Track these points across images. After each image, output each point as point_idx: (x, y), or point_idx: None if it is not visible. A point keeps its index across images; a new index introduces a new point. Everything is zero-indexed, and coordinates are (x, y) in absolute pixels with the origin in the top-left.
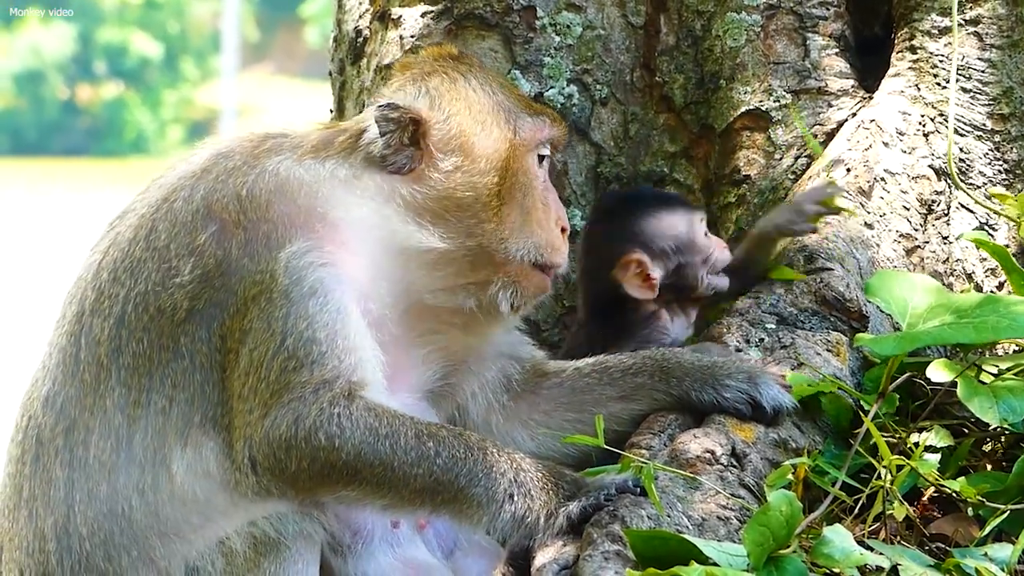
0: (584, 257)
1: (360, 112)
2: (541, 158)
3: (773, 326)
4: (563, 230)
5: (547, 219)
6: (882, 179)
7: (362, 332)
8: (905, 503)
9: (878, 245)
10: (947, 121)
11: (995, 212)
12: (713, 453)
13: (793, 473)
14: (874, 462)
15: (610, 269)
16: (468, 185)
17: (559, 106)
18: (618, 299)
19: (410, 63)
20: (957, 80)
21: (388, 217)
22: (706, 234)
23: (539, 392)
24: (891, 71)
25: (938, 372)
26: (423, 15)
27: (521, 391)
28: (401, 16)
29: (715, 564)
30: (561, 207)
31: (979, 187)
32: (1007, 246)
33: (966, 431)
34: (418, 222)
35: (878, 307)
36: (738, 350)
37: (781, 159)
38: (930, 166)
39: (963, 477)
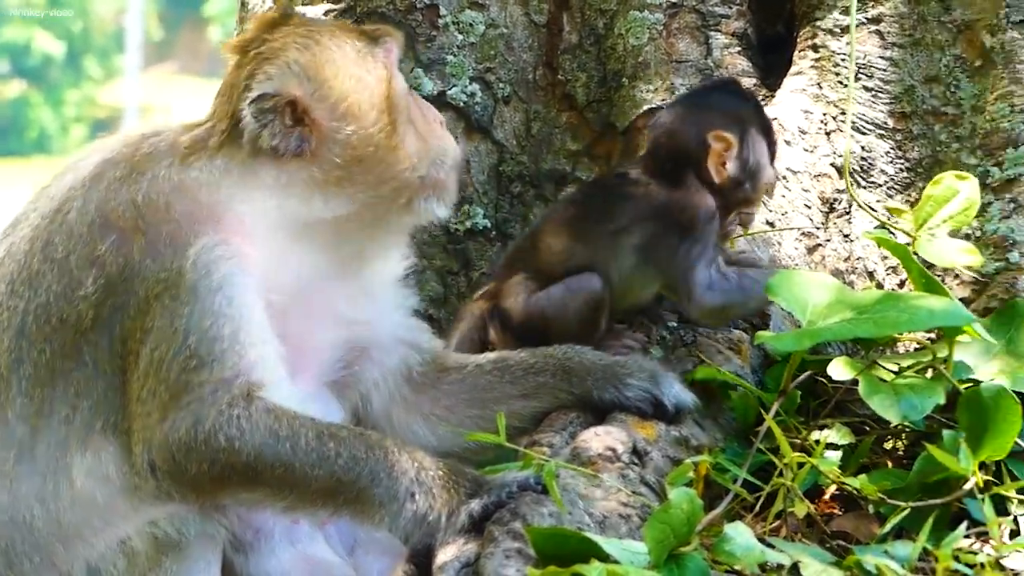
0: (687, 104)
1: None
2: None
3: (675, 324)
4: (440, 123)
5: (429, 124)
6: (784, 177)
7: (265, 327)
8: (806, 501)
9: (780, 243)
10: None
11: (889, 225)
12: (615, 451)
13: (694, 471)
14: (775, 460)
15: (705, 130)
16: (367, 140)
17: (462, 104)
18: (680, 163)
19: (246, 44)
20: (859, 79)
21: (293, 202)
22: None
23: (440, 387)
24: (793, 69)
25: (839, 370)
26: (326, 13)
27: (422, 384)
28: (304, 14)
29: (616, 562)
30: (426, 103)
31: (880, 186)
32: (907, 245)
33: (867, 429)
34: (324, 195)
35: (779, 306)
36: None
37: None
38: (832, 164)
39: (864, 475)
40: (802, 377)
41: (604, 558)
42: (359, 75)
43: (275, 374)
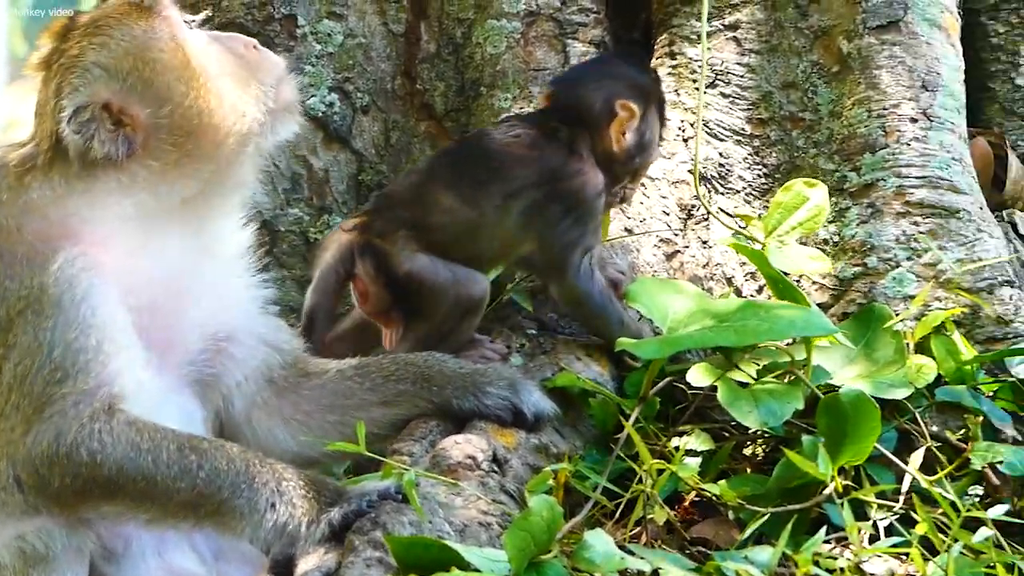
0: (595, 69)
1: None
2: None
3: (534, 331)
4: (253, 47)
5: (244, 58)
6: (642, 184)
7: (128, 333)
8: (666, 507)
9: (638, 250)
10: (706, 126)
11: (742, 234)
12: (475, 459)
13: (554, 478)
14: (635, 467)
15: (614, 97)
16: (188, 114)
17: (321, 114)
18: (580, 126)
19: (47, 58)
20: (716, 85)
21: (142, 197)
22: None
23: (301, 392)
24: None
25: (698, 376)
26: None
27: (283, 387)
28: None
29: (476, 570)
30: (230, 36)
31: (739, 192)
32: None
33: (726, 435)
34: (170, 182)
35: (639, 312)
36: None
37: None
38: (690, 171)
39: (724, 481)
40: (661, 384)
41: (464, 567)
42: (154, 55)
43: (138, 379)
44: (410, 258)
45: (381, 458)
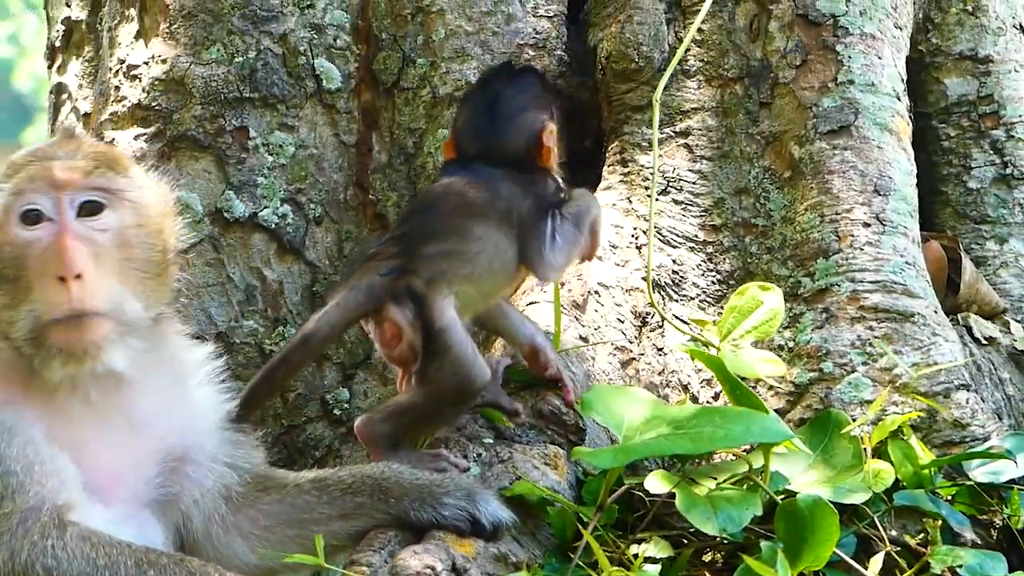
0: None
1: None
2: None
3: (491, 440)
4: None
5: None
6: (596, 292)
7: (56, 456)
8: None
9: (593, 358)
10: (659, 233)
11: (696, 338)
12: (433, 569)
13: None
14: (593, 575)
15: (533, 132)
16: None
17: (274, 225)
18: (518, 157)
19: None
20: (668, 192)
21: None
22: None
23: (259, 507)
24: (603, 184)
25: (656, 483)
26: (136, 137)
27: (240, 504)
28: (114, 139)
29: None
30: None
31: (693, 299)
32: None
33: (685, 541)
34: None
35: (595, 420)
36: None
37: None
38: (643, 278)
39: None
40: (619, 491)
41: None
42: None
43: (80, 495)
44: (448, 312)
45: (341, 571)
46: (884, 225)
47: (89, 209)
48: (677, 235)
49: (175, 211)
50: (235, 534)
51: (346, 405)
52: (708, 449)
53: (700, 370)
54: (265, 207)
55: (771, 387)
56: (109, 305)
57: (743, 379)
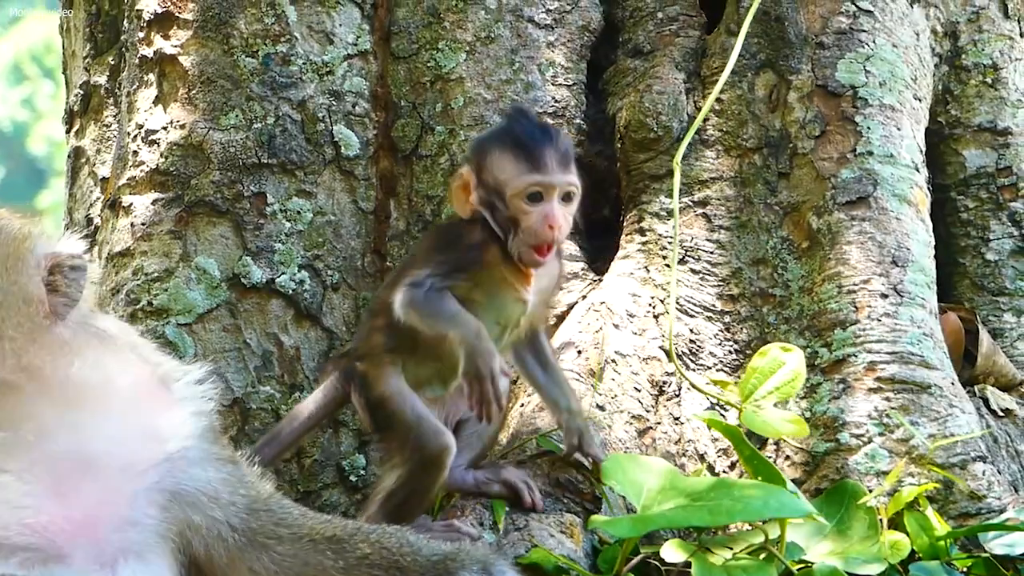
0: None
1: None
2: None
3: (507, 508)
4: None
5: None
6: (613, 360)
7: None
8: None
9: (610, 426)
10: (677, 302)
11: (717, 398)
12: None
13: None
14: None
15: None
16: None
17: (291, 291)
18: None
19: None
20: (686, 261)
21: None
22: (538, 200)
23: (271, 553)
24: (620, 253)
25: (672, 552)
26: (154, 202)
27: (251, 544)
28: (132, 204)
29: None
30: None
31: (710, 367)
32: (739, 426)
33: None
34: None
35: (612, 489)
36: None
37: None
38: (660, 347)
39: None
40: (635, 560)
41: None
42: None
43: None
44: (386, 381)
45: None
46: (902, 296)
47: None
48: (695, 304)
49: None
50: (244, 570)
51: (362, 472)
52: (726, 521)
53: (716, 439)
54: (283, 273)
55: (787, 457)
56: None
57: (763, 443)
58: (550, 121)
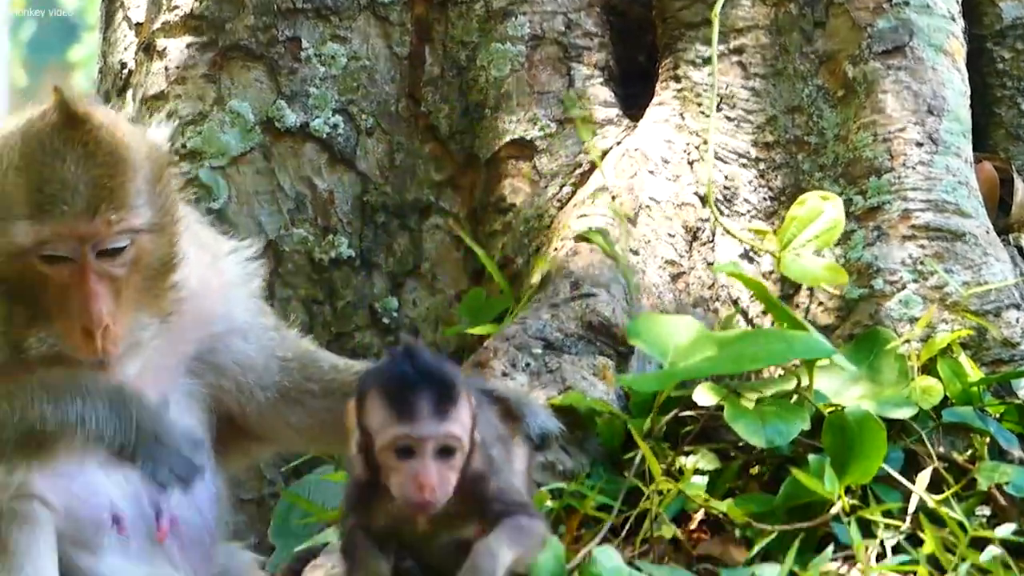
0: None
1: None
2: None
3: (540, 351)
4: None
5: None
6: (647, 206)
7: None
8: (673, 525)
9: (643, 271)
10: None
11: (755, 247)
12: None
13: (559, 498)
14: (641, 485)
15: None
16: None
17: (325, 135)
18: None
19: None
20: (721, 109)
21: None
22: (408, 455)
23: (305, 406)
24: (656, 100)
25: (704, 395)
26: (188, 46)
27: (286, 397)
28: (166, 48)
29: None
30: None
31: (744, 214)
32: (771, 272)
33: (732, 455)
34: None
35: (640, 348)
36: (505, 375)
37: (546, 187)
38: (695, 193)
39: (730, 499)
40: (666, 405)
41: None
42: None
43: None
44: None
45: None
46: (937, 145)
47: (111, 252)
48: (730, 151)
49: (175, 164)
50: (279, 422)
51: (395, 313)
52: (750, 368)
53: (748, 287)
54: (317, 117)
55: (820, 303)
56: (130, 341)
57: (795, 289)
58: None
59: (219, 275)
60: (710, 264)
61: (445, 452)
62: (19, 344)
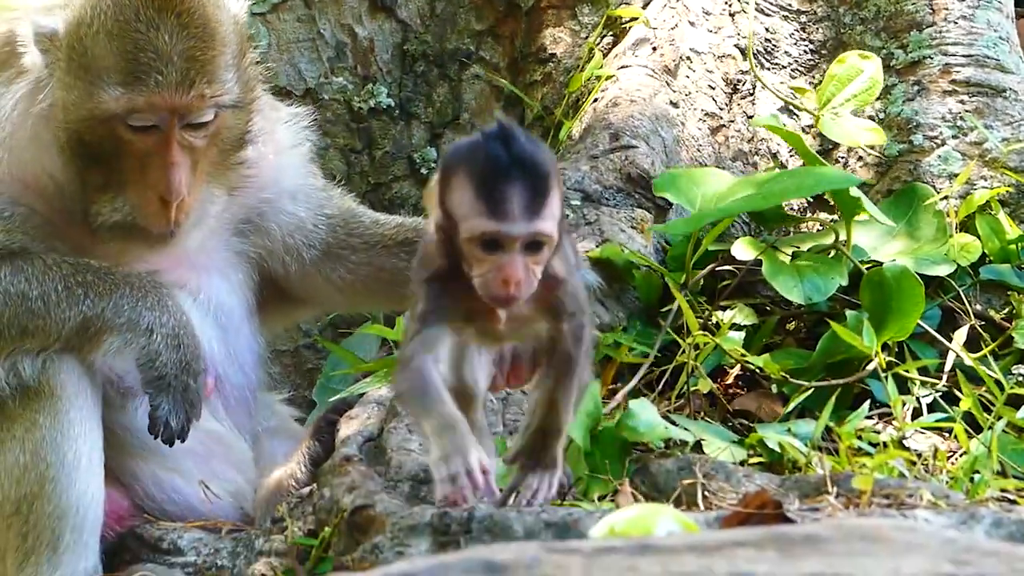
0: None
1: None
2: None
3: (578, 203)
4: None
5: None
6: (688, 58)
7: None
8: (709, 379)
9: (683, 124)
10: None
11: (793, 105)
12: None
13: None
14: (679, 339)
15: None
16: None
17: None
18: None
19: None
20: None
21: None
22: (495, 249)
23: (345, 262)
24: None
25: (742, 249)
26: None
27: (327, 254)
28: None
29: None
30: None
31: (784, 67)
32: (811, 126)
33: (769, 310)
34: None
35: (668, 199)
36: None
37: (587, 37)
38: (736, 46)
39: (767, 354)
40: (704, 259)
41: None
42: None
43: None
44: None
45: None
46: (979, 0)
47: (197, 125)
48: (771, 4)
49: (252, 41)
50: (319, 279)
51: (433, 164)
52: (778, 201)
53: (786, 141)
54: None
55: (860, 158)
56: (199, 213)
57: (833, 148)
58: None
59: (274, 143)
60: (750, 117)
61: (534, 246)
62: (91, 210)
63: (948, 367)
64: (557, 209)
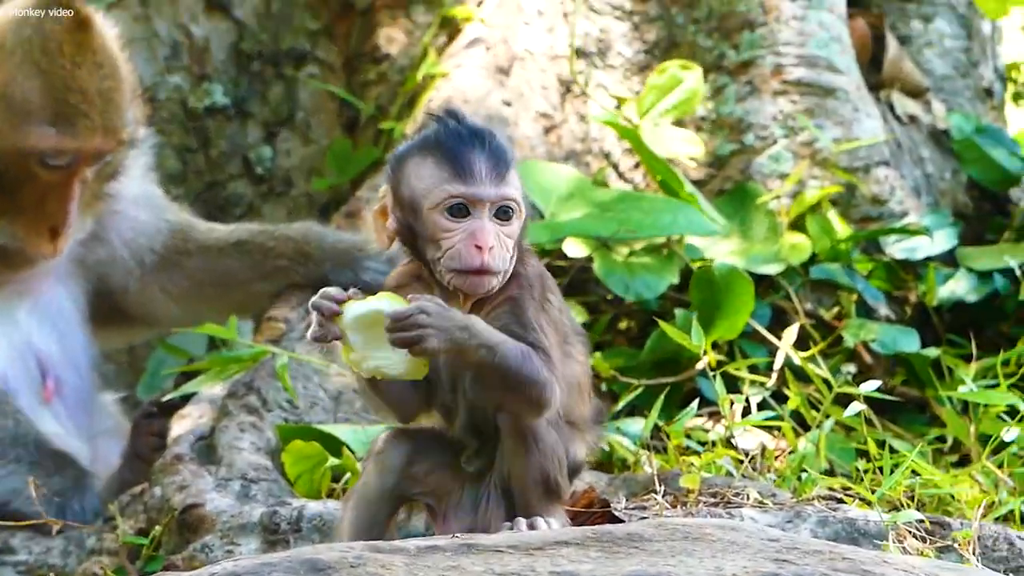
0: None
1: None
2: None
3: None
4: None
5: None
6: (521, 58)
7: None
8: None
9: (516, 123)
10: (586, 1)
11: (616, 114)
12: None
13: None
14: None
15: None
16: None
17: None
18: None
19: None
20: None
21: None
22: (463, 215)
23: (182, 269)
24: None
25: (574, 247)
26: None
27: (162, 263)
28: None
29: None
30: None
31: (617, 68)
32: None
33: (601, 308)
34: None
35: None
36: None
37: (422, 37)
38: (569, 46)
39: (598, 353)
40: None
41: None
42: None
43: None
44: None
45: (257, 345)
46: (810, 0)
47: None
48: (604, 3)
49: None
50: (156, 290)
51: (268, 163)
52: (634, 236)
53: (623, 139)
54: None
55: (692, 157)
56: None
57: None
58: None
59: None
60: (583, 117)
61: (502, 214)
62: None
63: (777, 366)
64: (520, 185)
